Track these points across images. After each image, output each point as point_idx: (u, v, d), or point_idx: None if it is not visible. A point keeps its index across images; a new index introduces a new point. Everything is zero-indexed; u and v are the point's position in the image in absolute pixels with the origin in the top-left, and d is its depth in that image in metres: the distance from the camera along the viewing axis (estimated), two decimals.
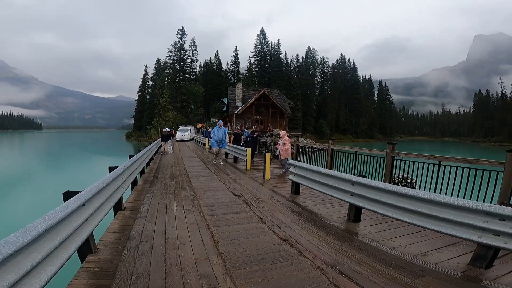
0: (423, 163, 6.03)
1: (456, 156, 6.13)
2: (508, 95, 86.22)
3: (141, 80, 76.17)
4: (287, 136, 9.99)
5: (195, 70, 73.73)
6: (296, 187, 6.43)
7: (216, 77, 76.25)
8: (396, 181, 7.71)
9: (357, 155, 8.18)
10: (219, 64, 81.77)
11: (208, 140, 21.20)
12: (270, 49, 76.75)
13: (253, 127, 22.60)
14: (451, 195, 5.32)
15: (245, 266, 3.02)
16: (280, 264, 3.09)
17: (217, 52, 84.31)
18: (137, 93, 77.28)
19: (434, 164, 5.76)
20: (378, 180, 7.35)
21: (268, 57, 75.37)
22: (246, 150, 10.93)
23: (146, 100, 70.62)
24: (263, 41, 76.78)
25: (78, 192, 3.14)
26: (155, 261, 3.10)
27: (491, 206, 2.82)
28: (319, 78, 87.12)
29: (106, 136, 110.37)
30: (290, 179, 6.46)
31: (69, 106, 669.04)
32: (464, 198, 5.01)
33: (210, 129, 24.96)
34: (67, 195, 3.04)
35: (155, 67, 72.68)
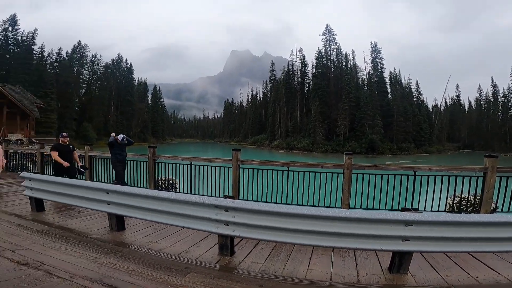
0: (179, 164, 6.56)
1: (201, 156, 7.30)
2: (245, 103, 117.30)
3: None
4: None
5: None
6: (37, 203, 5.42)
7: None
8: (161, 183, 7.88)
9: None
10: None
11: None
12: (19, 38, 57.45)
13: None
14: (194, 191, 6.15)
15: None
16: None
17: None
18: None
19: (187, 165, 6.41)
20: (142, 185, 7.22)
21: (12, 47, 56.05)
22: None
23: None
24: (11, 29, 56.15)
25: None
26: None
27: (217, 200, 3.36)
28: (86, 77, 75.00)
29: None
30: (26, 195, 5.40)
31: None
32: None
33: None
34: None
35: None
